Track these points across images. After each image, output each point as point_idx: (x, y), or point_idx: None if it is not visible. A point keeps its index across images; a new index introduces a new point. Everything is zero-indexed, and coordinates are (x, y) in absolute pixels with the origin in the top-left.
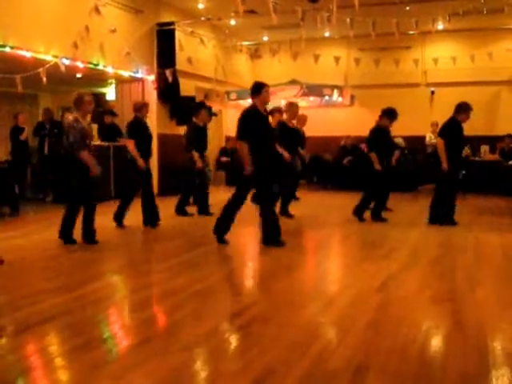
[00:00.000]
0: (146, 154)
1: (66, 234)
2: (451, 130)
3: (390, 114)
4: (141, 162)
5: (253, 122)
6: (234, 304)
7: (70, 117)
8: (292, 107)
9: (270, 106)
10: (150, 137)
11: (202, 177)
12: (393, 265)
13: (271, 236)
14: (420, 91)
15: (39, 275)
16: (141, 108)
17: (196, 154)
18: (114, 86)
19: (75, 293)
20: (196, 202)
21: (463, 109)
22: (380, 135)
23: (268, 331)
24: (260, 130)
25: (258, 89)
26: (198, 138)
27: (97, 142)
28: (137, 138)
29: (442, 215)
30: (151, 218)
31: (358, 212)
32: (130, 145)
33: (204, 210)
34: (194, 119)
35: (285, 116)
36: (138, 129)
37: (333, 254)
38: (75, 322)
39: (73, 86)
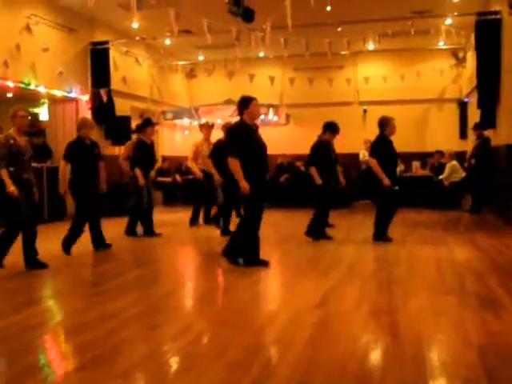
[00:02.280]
0: (86, 176)
1: None
2: (381, 146)
3: (331, 128)
4: (61, 186)
5: (242, 136)
6: (172, 326)
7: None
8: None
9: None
10: (91, 158)
11: (144, 195)
12: (331, 280)
13: (243, 253)
14: (353, 109)
15: None
16: (79, 127)
17: (139, 172)
18: (46, 106)
19: (7, 320)
20: (141, 222)
21: (385, 123)
22: (321, 149)
23: (207, 352)
24: (250, 145)
25: (246, 103)
26: (144, 155)
27: None
28: (72, 160)
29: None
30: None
31: (312, 232)
32: (60, 166)
33: (149, 230)
34: (141, 136)
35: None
36: (74, 149)
37: (271, 271)
38: (7, 351)
39: (3, 106)
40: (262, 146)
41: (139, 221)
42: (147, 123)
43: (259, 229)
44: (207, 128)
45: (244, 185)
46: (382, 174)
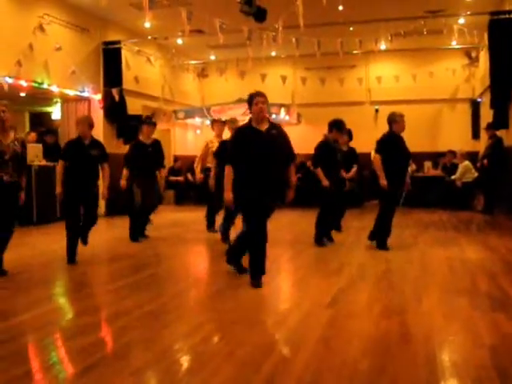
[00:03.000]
0: (77, 177)
1: None
2: (388, 144)
3: (337, 126)
4: (58, 188)
5: (241, 141)
6: (183, 324)
7: None
8: (235, 123)
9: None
10: (87, 158)
11: (137, 198)
12: (342, 280)
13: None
14: (365, 109)
15: None
16: (76, 125)
17: (124, 171)
18: (59, 105)
19: (18, 318)
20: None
21: (393, 119)
22: (324, 149)
23: (219, 350)
24: (252, 151)
25: (249, 101)
26: (136, 155)
27: (42, 162)
28: (70, 159)
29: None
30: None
31: (316, 238)
32: (57, 166)
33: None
34: (140, 136)
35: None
36: (69, 148)
37: (282, 271)
38: (19, 349)
39: (16, 106)
40: (267, 152)
41: (134, 222)
42: (143, 122)
43: (266, 242)
44: (219, 124)
45: (227, 195)
46: (382, 172)
